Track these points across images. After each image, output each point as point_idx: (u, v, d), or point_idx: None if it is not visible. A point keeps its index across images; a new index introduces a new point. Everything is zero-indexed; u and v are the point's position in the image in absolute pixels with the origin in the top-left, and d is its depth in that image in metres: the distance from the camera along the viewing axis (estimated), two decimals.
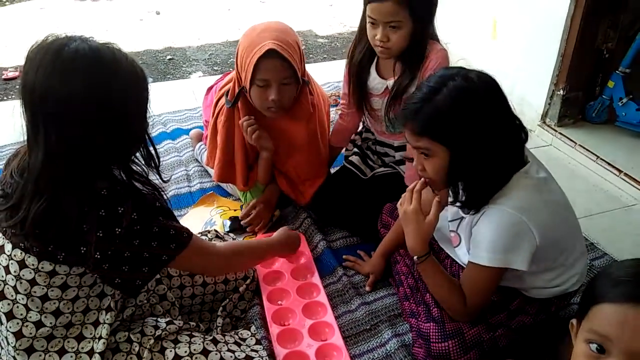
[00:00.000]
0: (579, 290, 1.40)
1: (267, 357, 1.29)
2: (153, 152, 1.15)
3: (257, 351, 1.26)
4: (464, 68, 1.21)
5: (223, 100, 1.84)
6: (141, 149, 1.12)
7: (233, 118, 1.83)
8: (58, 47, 0.96)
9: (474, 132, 1.15)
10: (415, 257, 1.33)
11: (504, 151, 1.19)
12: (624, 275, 0.79)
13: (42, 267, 1.04)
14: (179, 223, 1.17)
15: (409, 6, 1.55)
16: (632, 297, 0.75)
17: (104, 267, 1.04)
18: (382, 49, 1.63)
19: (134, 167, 1.11)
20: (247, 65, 1.63)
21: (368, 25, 1.64)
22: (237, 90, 1.74)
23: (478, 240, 1.23)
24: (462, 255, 1.41)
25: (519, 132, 1.23)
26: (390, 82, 1.74)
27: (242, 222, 1.85)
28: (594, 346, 0.77)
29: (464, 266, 1.36)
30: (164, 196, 1.15)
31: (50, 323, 1.08)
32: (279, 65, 1.62)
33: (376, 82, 1.79)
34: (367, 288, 1.64)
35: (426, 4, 1.63)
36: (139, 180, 1.11)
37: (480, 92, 1.14)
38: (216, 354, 1.20)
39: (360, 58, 1.77)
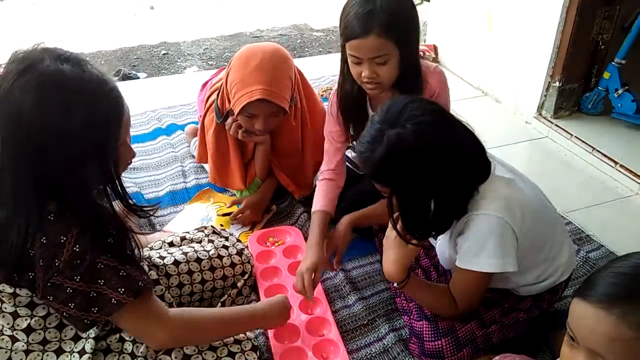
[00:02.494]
0: (569, 280, 1.41)
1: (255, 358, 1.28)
2: (120, 191, 1.03)
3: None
4: (411, 103, 1.15)
5: (214, 97, 1.84)
6: (104, 186, 1.01)
7: (223, 125, 1.84)
8: (27, 65, 0.91)
9: (409, 181, 1.13)
10: (395, 284, 1.32)
11: (457, 181, 1.16)
12: (603, 274, 0.79)
13: (3, 289, 0.99)
14: (137, 271, 1.04)
15: (393, 35, 1.37)
16: (595, 298, 0.76)
17: (49, 299, 0.98)
18: (372, 85, 1.45)
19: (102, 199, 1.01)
20: (236, 101, 1.65)
21: (351, 64, 1.46)
22: (226, 107, 1.75)
23: (468, 247, 1.21)
24: (439, 247, 1.41)
25: (475, 154, 1.20)
26: None
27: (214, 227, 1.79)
28: (569, 335, 0.81)
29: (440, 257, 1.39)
30: (131, 237, 1.04)
31: (23, 339, 1.05)
32: (267, 106, 1.65)
33: None
34: (335, 266, 1.58)
35: (410, 27, 1.44)
36: (95, 213, 0.99)
37: (412, 144, 1.10)
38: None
39: (353, 97, 1.59)
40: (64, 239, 0.94)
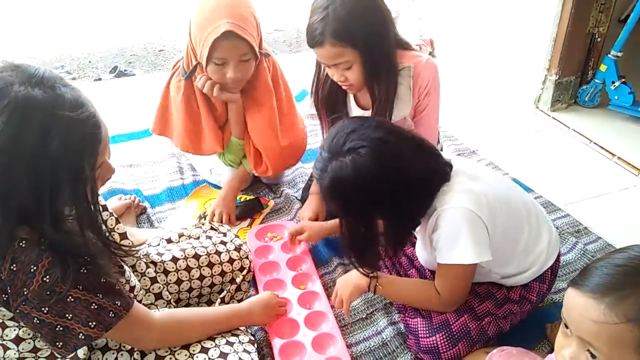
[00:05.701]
0: (557, 269, 1.43)
1: (255, 352, 1.26)
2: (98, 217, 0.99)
3: (249, 352, 1.24)
4: (352, 133, 1.17)
5: (180, 62, 1.78)
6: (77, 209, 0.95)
7: (192, 87, 1.78)
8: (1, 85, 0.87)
9: (353, 207, 1.20)
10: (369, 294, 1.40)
11: (403, 203, 1.20)
12: (599, 264, 0.81)
13: None
14: (112, 298, 1.00)
15: (349, 41, 1.38)
16: (588, 287, 0.78)
17: (21, 324, 0.97)
18: (346, 86, 1.52)
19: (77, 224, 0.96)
20: (202, 45, 1.57)
21: (324, 66, 1.52)
22: (192, 63, 1.69)
23: (443, 242, 1.23)
24: (418, 249, 1.45)
25: (425, 170, 1.21)
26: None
27: (211, 223, 1.71)
28: (563, 324, 0.83)
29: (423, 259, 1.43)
30: (103, 267, 1.00)
31: (14, 348, 1.02)
32: (237, 44, 1.57)
33: (358, 114, 1.68)
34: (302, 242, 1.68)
35: (369, 28, 1.41)
36: (69, 242, 0.94)
37: (351, 174, 1.13)
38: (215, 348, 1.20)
39: (332, 94, 1.64)
40: (34, 268, 0.91)
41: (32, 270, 0.90)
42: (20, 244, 0.91)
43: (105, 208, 1.27)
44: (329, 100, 1.66)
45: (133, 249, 1.19)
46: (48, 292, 0.91)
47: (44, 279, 0.91)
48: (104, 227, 1.04)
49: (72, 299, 0.95)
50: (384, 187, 1.15)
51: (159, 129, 1.94)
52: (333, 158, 1.16)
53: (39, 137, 0.86)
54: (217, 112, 1.85)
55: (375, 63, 1.46)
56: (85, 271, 0.96)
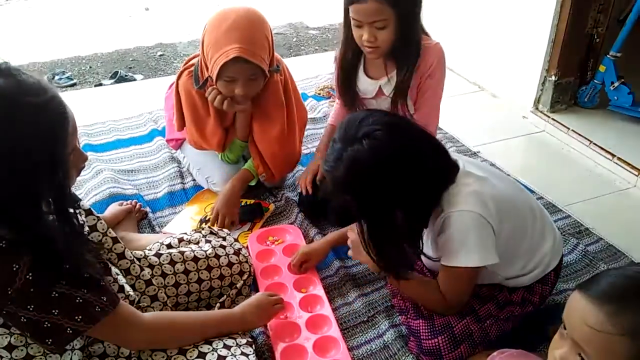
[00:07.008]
0: (559, 271, 1.43)
1: (253, 354, 1.26)
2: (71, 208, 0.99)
3: (247, 355, 1.24)
4: (365, 119, 1.16)
5: (195, 62, 1.81)
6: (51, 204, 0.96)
7: (200, 91, 1.82)
8: None
9: (372, 193, 1.17)
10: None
11: (419, 190, 1.19)
12: (610, 273, 0.82)
13: None
14: (97, 293, 1.01)
15: (392, 3, 1.51)
16: (592, 292, 0.78)
17: (9, 325, 0.96)
18: (371, 48, 1.60)
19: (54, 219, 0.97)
20: (213, 64, 1.63)
21: (353, 27, 1.60)
22: (204, 75, 1.73)
23: (449, 244, 1.23)
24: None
25: (436, 159, 1.21)
26: (382, 82, 1.73)
27: (211, 227, 1.69)
28: (562, 325, 0.84)
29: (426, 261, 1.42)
30: (86, 263, 1.01)
31: (7, 356, 1.00)
32: (245, 67, 1.63)
33: (366, 84, 1.76)
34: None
35: None
36: (50, 237, 0.94)
37: (369, 159, 1.13)
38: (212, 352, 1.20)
39: (348, 61, 1.75)
40: (16, 266, 0.91)
41: (14, 268, 0.91)
42: (1, 244, 0.91)
43: (90, 212, 1.28)
44: (345, 68, 1.76)
45: (103, 243, 1.19)
46: (32, 290, 0.92)
47: (27, 276, 0.91)
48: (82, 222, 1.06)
49: (57, 295, 0.95)
50: (403, 169, 1.14)
51: (179, 125, 1.97)
52: (348, 146, 1.14)
53: (9, 123, 0.86)
54: (227, 116, 1.89)
55: (408, 27, 1.58)
56: (67, 266, 0.96)
